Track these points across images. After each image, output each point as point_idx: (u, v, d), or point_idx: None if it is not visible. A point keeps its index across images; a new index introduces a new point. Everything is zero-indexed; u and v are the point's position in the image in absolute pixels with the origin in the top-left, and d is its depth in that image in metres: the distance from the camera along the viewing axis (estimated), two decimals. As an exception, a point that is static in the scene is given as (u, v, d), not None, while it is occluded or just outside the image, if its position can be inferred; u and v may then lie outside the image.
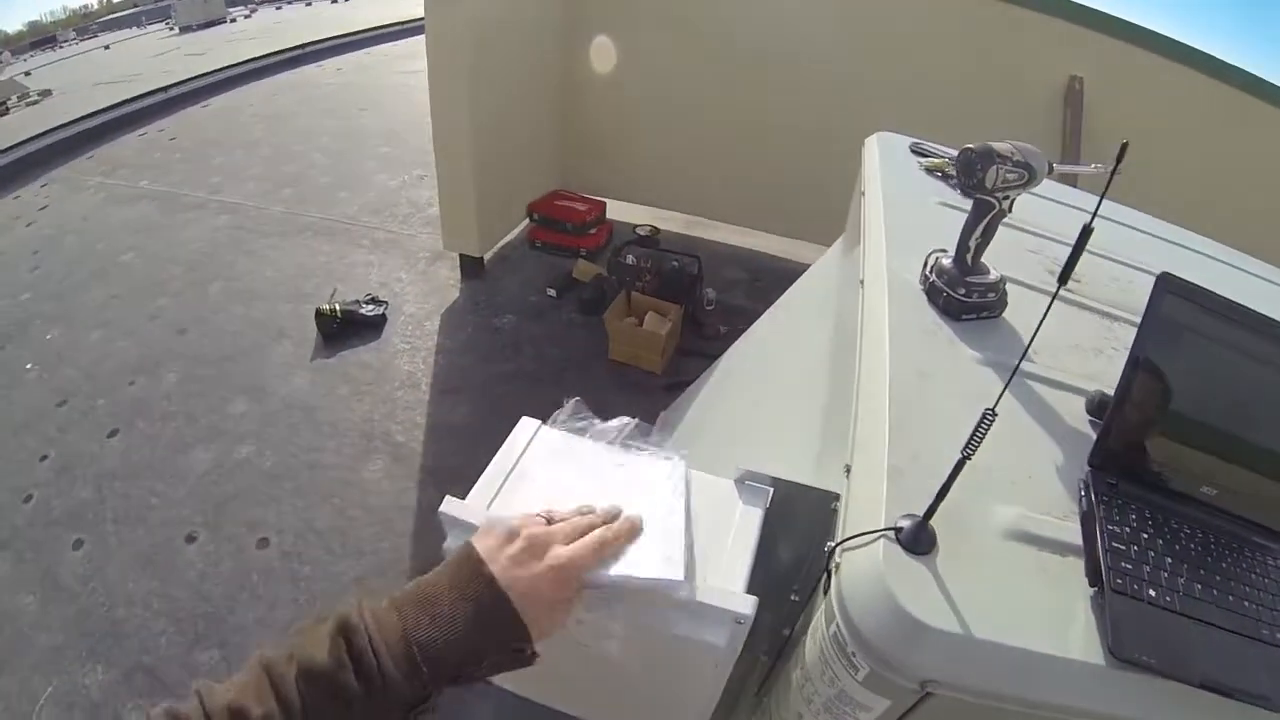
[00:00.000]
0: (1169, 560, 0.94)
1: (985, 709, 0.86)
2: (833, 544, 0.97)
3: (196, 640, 2.67)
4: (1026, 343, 0.89)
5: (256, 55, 9.38)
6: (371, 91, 8.45)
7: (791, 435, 1.57)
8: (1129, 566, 0.91)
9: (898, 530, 0.90)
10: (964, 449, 0.84)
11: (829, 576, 0.96)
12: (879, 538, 0.90)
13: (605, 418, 1.20)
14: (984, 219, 1.28)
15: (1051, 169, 1.25)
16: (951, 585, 0.86)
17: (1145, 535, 0.97)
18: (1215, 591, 0.94)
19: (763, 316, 2.47)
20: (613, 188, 5.35)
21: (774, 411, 1.87)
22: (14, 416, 3.62)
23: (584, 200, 5.17)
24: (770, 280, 2.19)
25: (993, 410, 0.82)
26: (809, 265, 2.49)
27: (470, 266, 4.76)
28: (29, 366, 3.94)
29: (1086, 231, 0.85)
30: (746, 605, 0.97)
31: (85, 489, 3.24)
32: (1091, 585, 0.91)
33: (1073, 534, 0.96)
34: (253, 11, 15.15)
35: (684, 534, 1.03)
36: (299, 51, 9.95)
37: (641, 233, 4.91)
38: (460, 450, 3.51)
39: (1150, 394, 1.03)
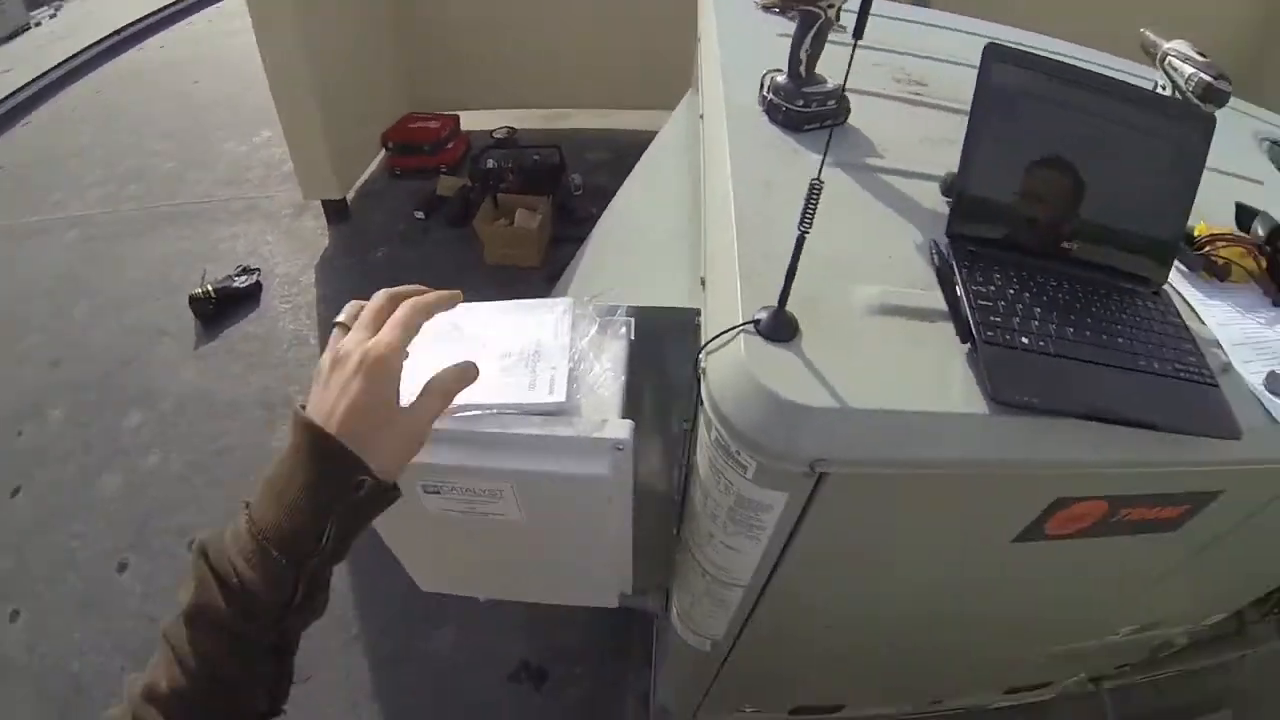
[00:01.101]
0: (1038, 310, 0.97)
1: (882, 480, 0.89)
2: (697, 353, 0.98)
3: (156, 663, 2.60)
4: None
5: (71, 54, 8.76)
6: (202, 61, 7.92)
7: (661, 277, 1.58)
8: (998, 319, 0.93)
9: (756, 323, 0.90)
10: (799, 225, 0.83)
11: (701, 386, 0.96)
12: (739, 333, 0.91)
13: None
14: (811, 29, 1.27)
15: (874, -27, 1.23)
16: (821, 365, 0.87)
17: (1012, 291, 0.99)
18: (1089, 333, 0.97)
19: (625, 182, 2.44)
20: (465, 99, 5.23)
21: (642, 259, 1.87)
22: (-95, 519, 3.39)
23: (437, 118, 5.06)
24: (635, 155, 2.19)
25: (818, 179, 0.81)
26: (668, 129, 2.45)
27: (335, 210, 4.65)
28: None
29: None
30: (623, 430, 0.98)
31: (7, 558, 3.08)
32: (963, 342, 0.92)
33: (939, 301, 0.98)
34: (57, 10, 14.04)
35: (566, 365, 1.04)
36: (116, 38, 9.28)
37: (498, 136, 4.86)
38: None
39: (994, 160, 1.05)
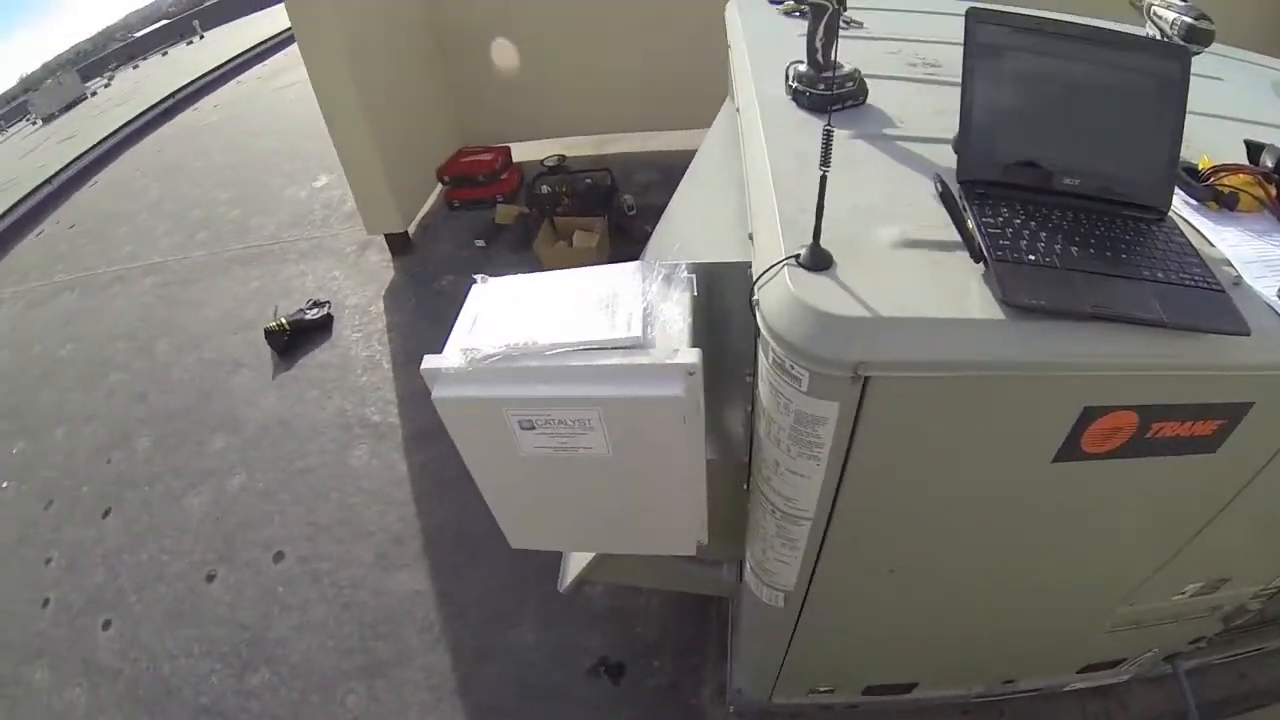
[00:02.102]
0: (1044, 235, 1.09)
1: (920, 385, 1.03)
2: (751, 290, 1.13)
3: (244, 667, 2.77)
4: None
5: (129, 119, 9.15)
6: (257, 115, 8.30)
7: (715, 248, 1.70)
8: (1006, 243, 1.06)
9: (797, 257, 1.06)
10: (820, 166, 0.99)
11: (756, 316, 1.10)
12: (783, 266, 1.06)
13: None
14: (822, 19, 1.42)
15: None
16: (855, 286, 1.02)
17: (1018, 220, 1.11)
18: (1093, 251, 1.08)
19: (677, 189, 2.55)
20: (514, 131, 5.40)
21: (699, 236, 2.00)
22: (7, 535, 3.61)
23: (489, 150, 5.23)
24: (683, 172, 2.32)
25: (828, 126, 0.97)
26: (712, 145, 2.56)
27: (398, 244, 4.82)
28: (4, 485, 3.92)
29: None
30: (692, 355, 1.18)
31: (97, 573, 3.27)
32: (976, 262, 1.05)
33: (955, 235, 1.11)
34: (110, 79, 14.55)
35: (641, 308, 1.25)
36: (171, 101, 9.70)
37: (550, 164, 4.97)
38: (434, 409, 3.47)
39: (990, 110, 1.17)
